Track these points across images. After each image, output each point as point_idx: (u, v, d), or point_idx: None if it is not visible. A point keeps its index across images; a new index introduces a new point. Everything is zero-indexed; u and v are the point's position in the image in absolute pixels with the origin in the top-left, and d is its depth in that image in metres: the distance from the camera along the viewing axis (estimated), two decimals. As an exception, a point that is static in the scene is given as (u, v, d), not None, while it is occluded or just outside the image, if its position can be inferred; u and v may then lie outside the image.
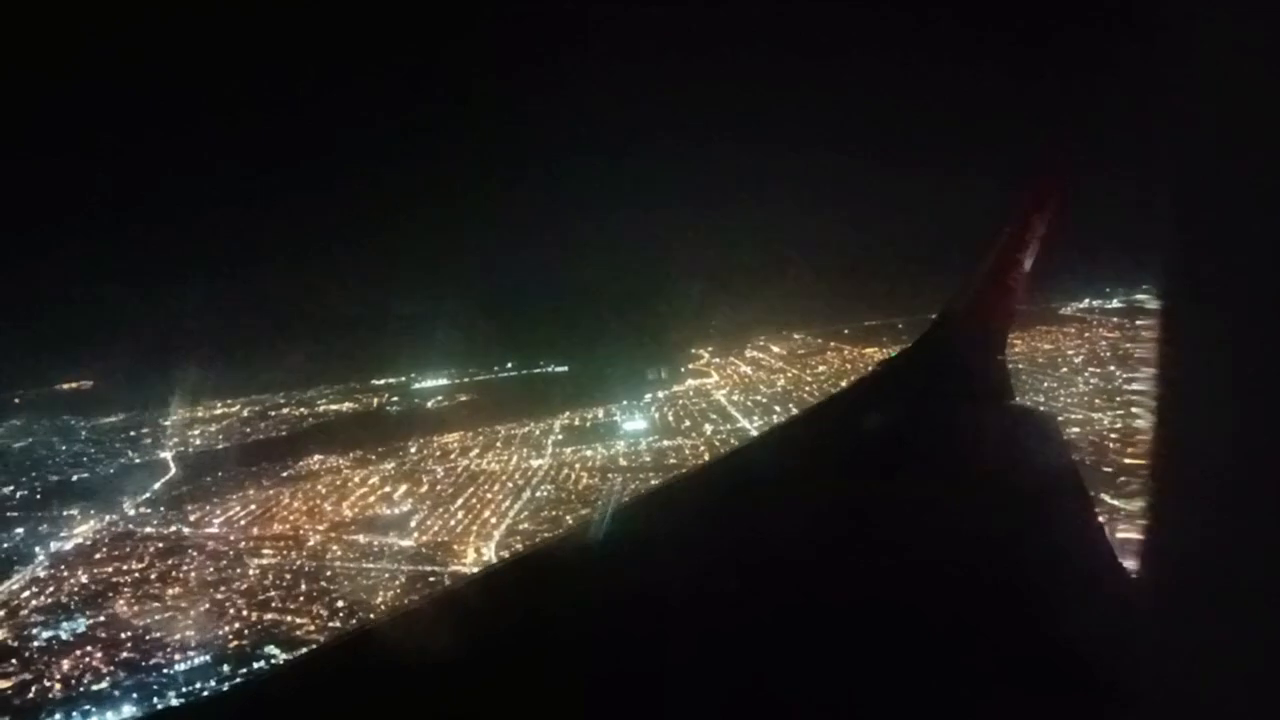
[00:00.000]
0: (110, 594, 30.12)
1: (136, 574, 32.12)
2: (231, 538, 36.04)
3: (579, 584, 3.12)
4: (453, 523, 35.52)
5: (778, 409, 46.41)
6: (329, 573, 30.82)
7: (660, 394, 56.23)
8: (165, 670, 23.93)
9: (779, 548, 3.36)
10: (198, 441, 59.14)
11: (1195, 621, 1.48)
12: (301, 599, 28.30)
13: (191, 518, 39.34)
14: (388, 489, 41.29)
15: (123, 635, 26.43)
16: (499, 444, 48.52)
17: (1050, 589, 2.93)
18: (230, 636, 25.78)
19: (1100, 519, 3.77)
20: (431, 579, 28.98)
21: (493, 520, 35.16)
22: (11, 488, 47.81)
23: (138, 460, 53.99)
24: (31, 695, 23.31)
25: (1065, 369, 38.62)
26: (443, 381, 74.11)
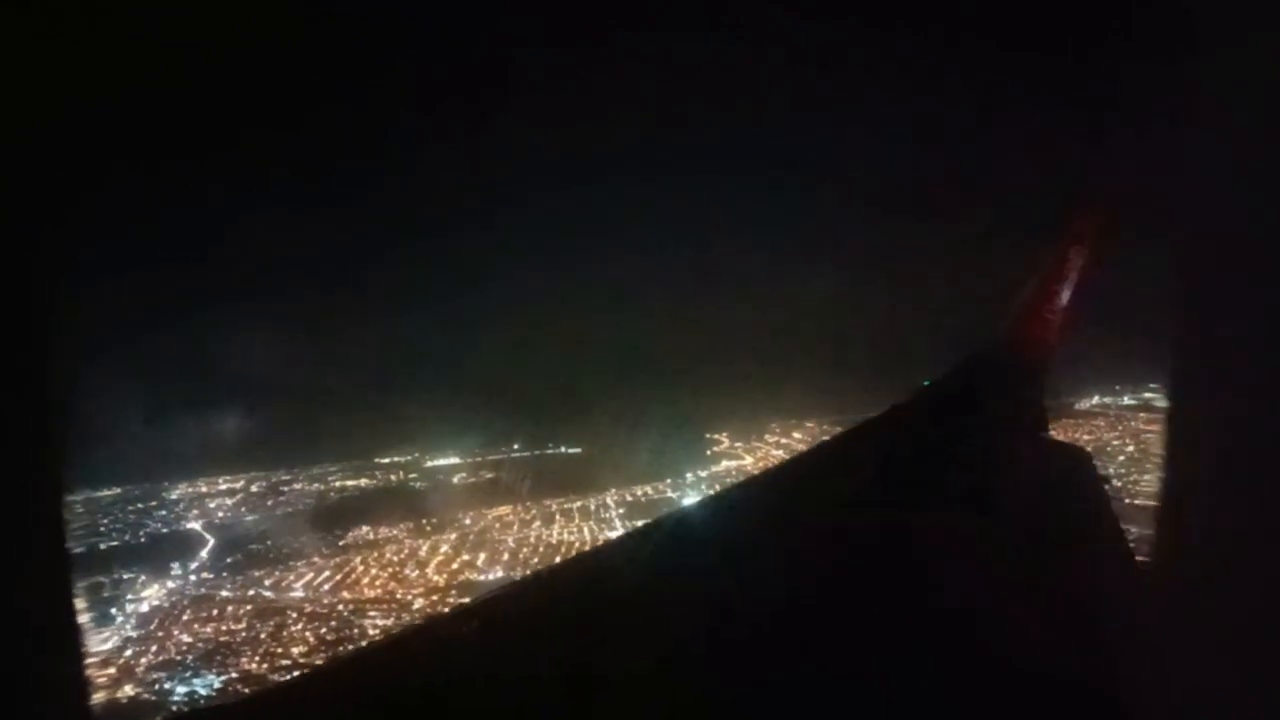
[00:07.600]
0: (227, 653, 28.94)
1: (243, 634, 30.90)
2: (325, 601, 34.95)
3: (628, 589, 3.21)
4: (558, 587, 35.26)
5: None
6: (456, 632, 30.22)
7: (701, 473, 56.86)
8: None
9: (810, 569, 3.45)
10: (220, 514, 56.83)
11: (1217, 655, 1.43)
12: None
13: (267, 582, 37.98)
14: (466, 556, 40.63)
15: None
16: (559, 517, 48.23)
17: (1082, 620, 2.93)
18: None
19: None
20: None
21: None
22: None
23: (165, 530, 51.48)
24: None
25: (1122, 457, 36.30)
26: (454, 460, 73.03)
